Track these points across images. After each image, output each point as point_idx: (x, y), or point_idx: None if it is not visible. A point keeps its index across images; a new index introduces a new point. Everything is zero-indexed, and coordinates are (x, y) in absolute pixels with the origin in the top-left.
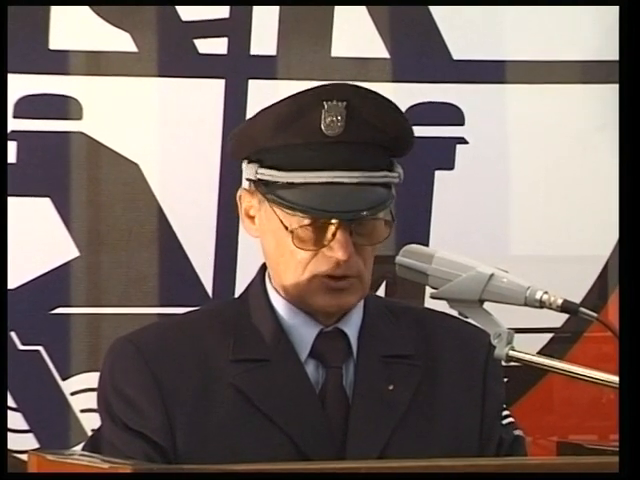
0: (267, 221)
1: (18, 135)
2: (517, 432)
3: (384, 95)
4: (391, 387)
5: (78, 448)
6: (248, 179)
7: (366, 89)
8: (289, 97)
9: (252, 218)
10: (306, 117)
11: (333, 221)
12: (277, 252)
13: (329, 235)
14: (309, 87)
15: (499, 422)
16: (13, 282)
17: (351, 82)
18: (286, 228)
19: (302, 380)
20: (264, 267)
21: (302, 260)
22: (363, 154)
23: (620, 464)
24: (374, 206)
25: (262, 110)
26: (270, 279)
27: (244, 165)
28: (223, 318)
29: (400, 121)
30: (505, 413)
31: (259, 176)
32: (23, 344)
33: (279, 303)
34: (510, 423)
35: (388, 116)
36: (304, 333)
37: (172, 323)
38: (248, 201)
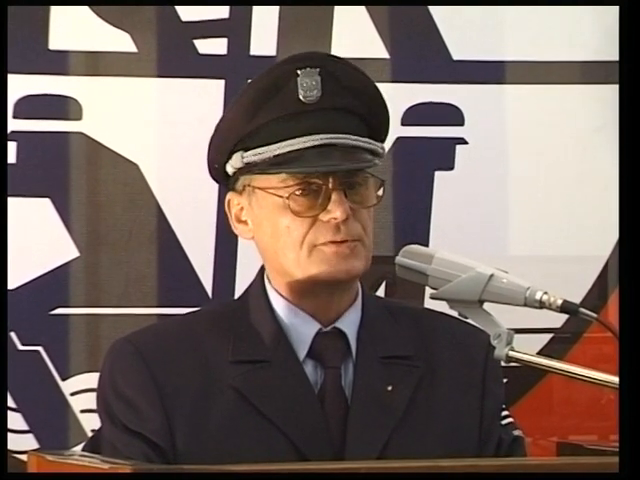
0: (260, 209)
1: (18, 135)
2: (516, 432)
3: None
4: (390, 388)
5: (78, 448)
6: (234, 172)
7: (336, 56)
8: (261, 75)
9: (243, 222)
10: (282, 89)
11: (328, 181)
12: (274, 237)
13: (325, 198)
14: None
15: (498, 422)
16: (13, 282)
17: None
18: (281, 197)
19: (301, 381)
20: (263, 269)
21: (300, 234)
22: (344, 120)
23: (620, 464)
24: (363, 166)
25: (233, 100)
26: (269, 280)
27: (228, 166)
28: (223, 319)
29: (373, 87)
30: (504, 413)
31: (246, 160)
32: (23, 344)
33: (279, 303)
34: (509, 423)
35: (361, 81)
36: (302, 333)
37: (171, 324)
38: (237, 203)
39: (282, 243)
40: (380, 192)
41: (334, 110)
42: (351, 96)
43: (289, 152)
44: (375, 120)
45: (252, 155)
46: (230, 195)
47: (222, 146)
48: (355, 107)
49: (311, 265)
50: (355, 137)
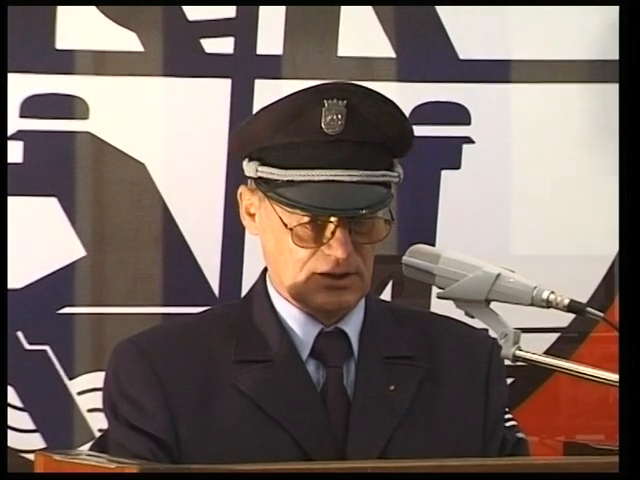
0: (267, 219)
1: (25, 135)
2: (520, 435)
3: (384, 95)
4: (392, 387)
5: (85, 448)
6: (249, 177)
7: (366, 88)
8: (289, 96)
9: (252, 216)
10: (306, 116)
11: (332, 219)
12: (276, 250)
13: (328, 233)
14: (309, 86)
15: (502, 424)
16: (19, 282)
17: (353, 81)
18: (285, 226)
19: (304, 380)
20: (266, 269)
21: (301, 259)
22: (363, 153)
23: (620, 464)
24: (373, 205)
25: (262, 109)
26: (271, 280)
27: (244, 163)
28: (226, 320)
29: (400, 120)
30: (508, 416)
31: (259, 174)
32: (30, 344)
33: (280, 303)
34: (513, 426)
35: (388, 115)
36: (305, 333)
37: (176, 325)
38: (248, 199)
39: (283, 259)
40: (386, 230)
41: (355, 143)
42: (374, 129)
43: (301, 182)
44: (399, 149)
45: (266, 172)
46: (242, 189)
47: (243, 145)
48: (378, 139)
49: (306, 290)
50: (369, 173)
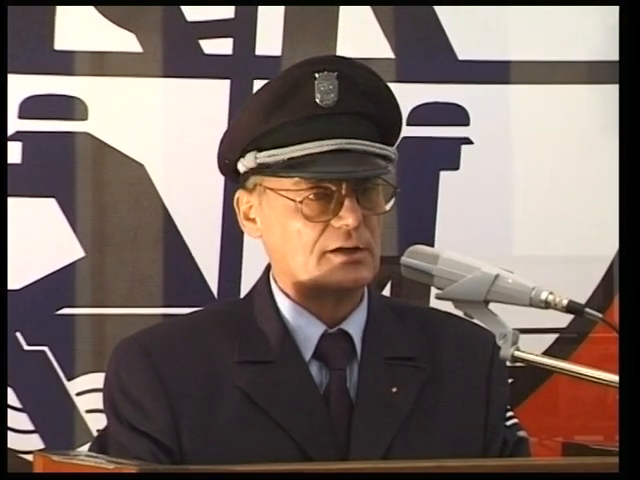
0: (270, 210)
1: (23, 135)
2: (521, 433)
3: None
4: (395, 389)
5: (84, 449)
6: (246, 172)
7: (354, 60)
8: (278, 76)
9: (251, 220)
10: (299, 92)
11: (342, 187)
12: (283, 239)
13: (337, 204)
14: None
15: (503, 423)
16: (18, 283)
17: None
18: (293, 201)
19: (306, 382)
20: (269, 268)
21: (310, 240)
22: (359, 125)
23: (620, 464)
24: (375, 169)
25: (249, 100)
26: (275, 280)
27: (240, 164)
28: (228, 319)
29: (388, 92)
30: (509, 414)
31: (259, 160)
32: (29, 344)
33: (284, 304)
34: (514, 424)
35: (378, 86)
36: (308, 334)
37: (177, 323)
38: (246, 201)
39: (292, 246)
40: (392, 201)
41: (350, 114)
42: (367, 101)
43: (303, 156)
44: (388, 125)
45: (265, 156)
46: (240, 193)
47: (235, 144)
48: (370, 111)
49: (319, 272)
50: (369, 143)
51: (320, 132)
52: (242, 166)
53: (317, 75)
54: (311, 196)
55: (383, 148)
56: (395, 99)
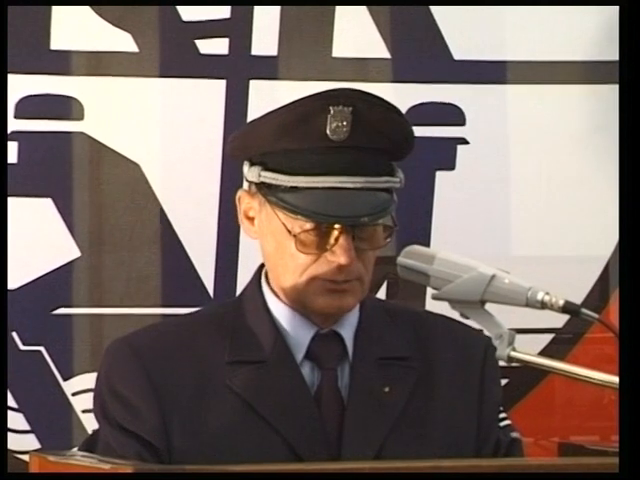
0: (267, 223)
1: (19, 135)
2: (514, 435)
3: (388, 100)
4: (387, 389)
5: None
6: (250, 181)
7: (371, 94)
8: (294, 102)
9: (251, 219)
10: (311, 122)
11: (336, 226)
12: (277, 254)
13: (331, 240)
14: (315, 92)
15: (496, 424)
16: (15, 282)
17: (355, 86)
18: (289, 232)
19: (298, 382)
20: (260, 269)
21: (302, 264)
22: (366, 159)
23: (620, 464)
24: (376, 211)
25: (267, 114)
26: (267, 280)
27: (245, 167)
28: (219, 320)
29: (404, 126)
30: (502, 416)
31: (262, 179)
32: (25, 344)
33: (275, 305)
34: (507, 425)
35: (392, 121)
36: (300, 335)
37: (168, 325)
38: (247, 202)
39: (283, 263)
40: (389, 236)
41: (358, 149)
42: (380, 136)
43: (305, 188)
44: (400, 153)
45: (269, 178)
46: (242, 193)
47: (245, 148)
48: (382, 145)
49: (306, 294)
50: (374, 179)
51: (326, 166)
52: (247, 172)
53: (332, 109)
54: (307, 229)
55: (388, 181)
56: (408, 125)
